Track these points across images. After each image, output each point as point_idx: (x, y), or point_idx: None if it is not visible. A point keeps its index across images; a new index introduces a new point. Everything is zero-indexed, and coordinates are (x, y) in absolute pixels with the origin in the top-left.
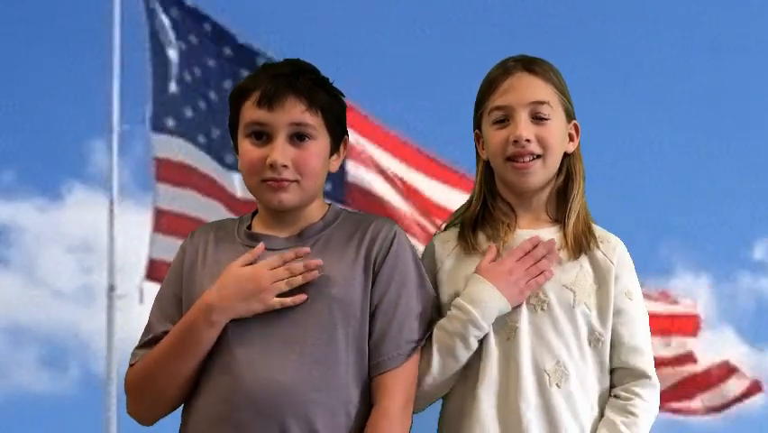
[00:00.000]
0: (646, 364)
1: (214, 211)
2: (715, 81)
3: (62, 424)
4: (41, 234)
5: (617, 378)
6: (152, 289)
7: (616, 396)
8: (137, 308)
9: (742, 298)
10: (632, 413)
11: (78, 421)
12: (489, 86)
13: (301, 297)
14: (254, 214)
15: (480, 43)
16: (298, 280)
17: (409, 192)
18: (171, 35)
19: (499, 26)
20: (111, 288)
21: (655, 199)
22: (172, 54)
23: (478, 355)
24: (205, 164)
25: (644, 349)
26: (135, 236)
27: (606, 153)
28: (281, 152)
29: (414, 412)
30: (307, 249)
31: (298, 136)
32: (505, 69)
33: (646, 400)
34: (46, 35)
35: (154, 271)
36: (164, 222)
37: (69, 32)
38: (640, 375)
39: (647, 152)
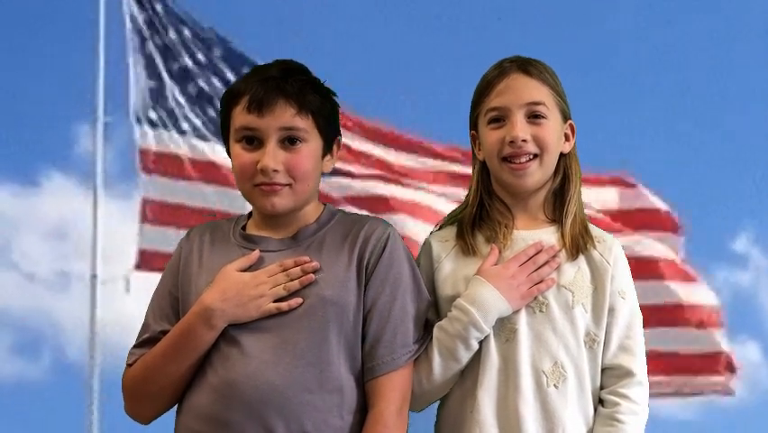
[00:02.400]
0: (634, 364)
1: (201, 198)
2: (697, 76)
3: (34, 411)
4: (17, 220)
5: (606, 378)
6: (141, 278)
7: (602, 401)
8: (120, 296)
9: (720, 292)
10: (618, 420)
11: (51, 407)
12: (485, 87)
13: (297, 300)
14: (250, 214)
15: (479, 44)
16: (295, 284)
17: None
18: (154, 28)
19: (497, 27)
20: (93, 276)
21: None
22: (154, 46)
23: (477, 357)
24: (191, 150)
25: (635, 349)
26: (118, 225)
27: (585, 146)
28: (272, 156)
29: (414, 411)
30: (307, 258)
31: (290, 140)
32: (501, 71)
33: (633, 400)
34: (28, 23)
35: (144, 261)
36: (151, 212)
37: (52, 19)
38: (626, 374)
39: (626, 146)
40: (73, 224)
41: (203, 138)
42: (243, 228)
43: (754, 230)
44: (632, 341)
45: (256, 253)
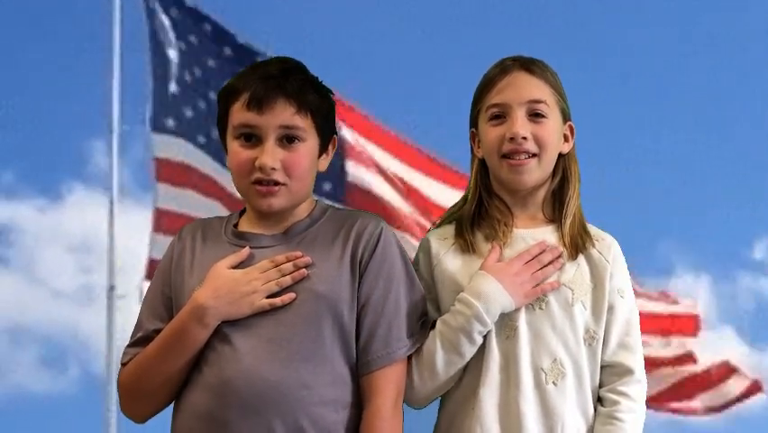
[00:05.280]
0: (634, 362)
1: (214, 211)
2: (714, 80)
3: (62, 424)
4: (41, 235)
5: (605, 376)
6: None
7: (601, 400)
8: (137, 308)
9: (742, 298)
10: (617, 419)
11: (78, 421)
12: (487, 84)
13: (290, 296)
14: (242, 212)
15: (479, 44)
16: (288, 280)
17: (410, 192)
18: (171, 35)
19: (497, 27)
20: (111, 288)
21: (655, 199)
22: (172, 54)
23: (479, 355)
24: (205, 164)
25: (634, 347)
26: (135, 236)
27: (605, 153)
28: (271, 154)
29: (415, 408)
30: (299, 253)
31: (288, 139)
32: (502, 68)
33: (633, 398)
34: (46, 35)
35: (154, 271)
36: (164, 222)
37: (69, 31)
38: (626, 372)
39: (646, 151)
40: (95, 236)
41: (218, 150)
42: (235, 226)
43: None
44: (631, 339)
45: (246, 250)
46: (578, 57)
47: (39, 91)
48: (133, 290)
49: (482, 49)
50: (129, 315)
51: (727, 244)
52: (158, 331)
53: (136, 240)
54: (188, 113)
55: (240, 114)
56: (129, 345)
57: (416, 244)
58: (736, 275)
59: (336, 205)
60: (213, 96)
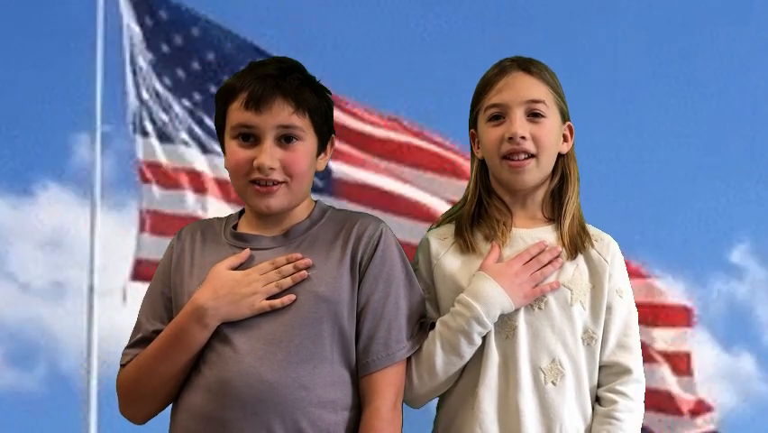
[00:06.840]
0: (632, 362)
1: (200, 210)
2: (692, 85)
3: (28, 421)
4: (13, 231)
5: (603, 376)
6: (137, 288)
7: (600, 399)
8: (118, 307)
9: (716, 302)
10: (615, 418)
11: (45, 419)
12: (486, 85)
13: (290, 297)
14: (241, 213)
15: (479, 43)
16: (288, 281)
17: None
18: (144, 43)
19: (497, 27)
20: (91, 288)
21: (631, 202)
22: (143, 62)
23: (478, 354)
24: (191, 160)
25: (632, 346)
26: (115, 235)
27: (583, 157)
28: (269, 154)
29: (413, 408)
30: (299, 255)
31: (286, 138)
32: (501, 69)
33: (631, 397)
34: (27, 33)
35: (140, 271)
36: (150, 222)
37: (51, 30)
38: (624, 372)
39: (623, 154)
40: (69, 234)
41: (202, 149)
42: (235, 227)
43: (751, 242)
44: (630, 339)
45: (246, 252)
46: (575, 57)
47: (21, 89)
48: (116, 290)
49: (481, 48)
50: (108, 314)
51: (703, 248)
52: (157, 332)
53: (118, 239)
54: (170, 112)
55: (238, 113)
56: (128, 346)
57: (420, 226)
58: (712, 279)
59: (325, 203)
60: (197, 95)
